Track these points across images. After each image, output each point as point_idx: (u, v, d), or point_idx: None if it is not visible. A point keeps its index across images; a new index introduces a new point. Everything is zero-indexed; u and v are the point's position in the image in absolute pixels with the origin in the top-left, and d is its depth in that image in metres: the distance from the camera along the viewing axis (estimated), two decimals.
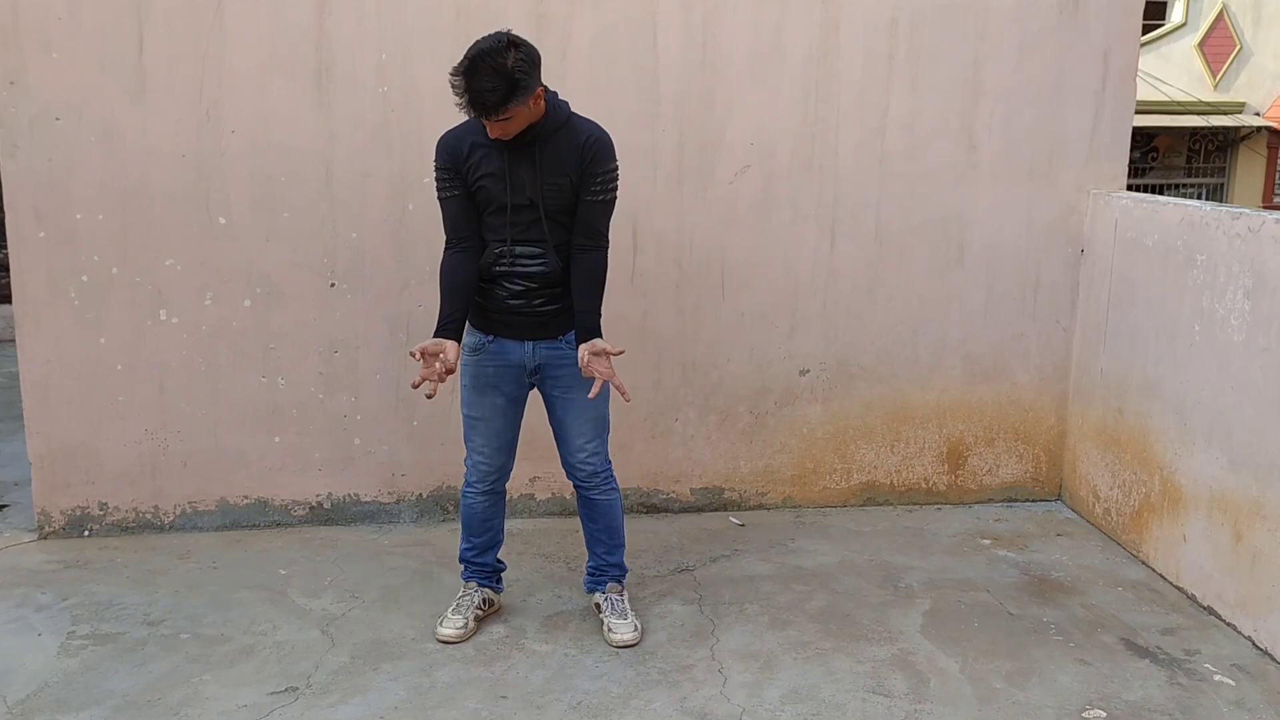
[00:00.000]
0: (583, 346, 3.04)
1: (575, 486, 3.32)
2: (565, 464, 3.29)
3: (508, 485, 3.37)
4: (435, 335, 3.03)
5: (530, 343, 3.14)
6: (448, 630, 3.27)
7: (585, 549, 3.44)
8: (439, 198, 3.11)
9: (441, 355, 2.99)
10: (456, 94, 2.84)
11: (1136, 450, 3.95)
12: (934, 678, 3.11)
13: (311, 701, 2.94)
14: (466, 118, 2.99)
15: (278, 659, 3.16)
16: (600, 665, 3.15)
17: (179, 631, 3.32)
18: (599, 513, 3.34)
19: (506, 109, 2.83)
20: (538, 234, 3.05)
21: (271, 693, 2.98)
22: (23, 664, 3.11)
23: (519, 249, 3.05)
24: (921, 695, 3.01)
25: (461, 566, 3.42)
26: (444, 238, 3.78)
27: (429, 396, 3.02)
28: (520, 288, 3.08)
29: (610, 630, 3.28)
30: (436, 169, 3.09)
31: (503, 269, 3.08)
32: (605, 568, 3.40)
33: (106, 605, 3.48)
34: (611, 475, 3.31)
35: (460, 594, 3.38)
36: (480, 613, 3.36)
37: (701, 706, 2.94)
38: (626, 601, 3.37)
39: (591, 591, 3.43)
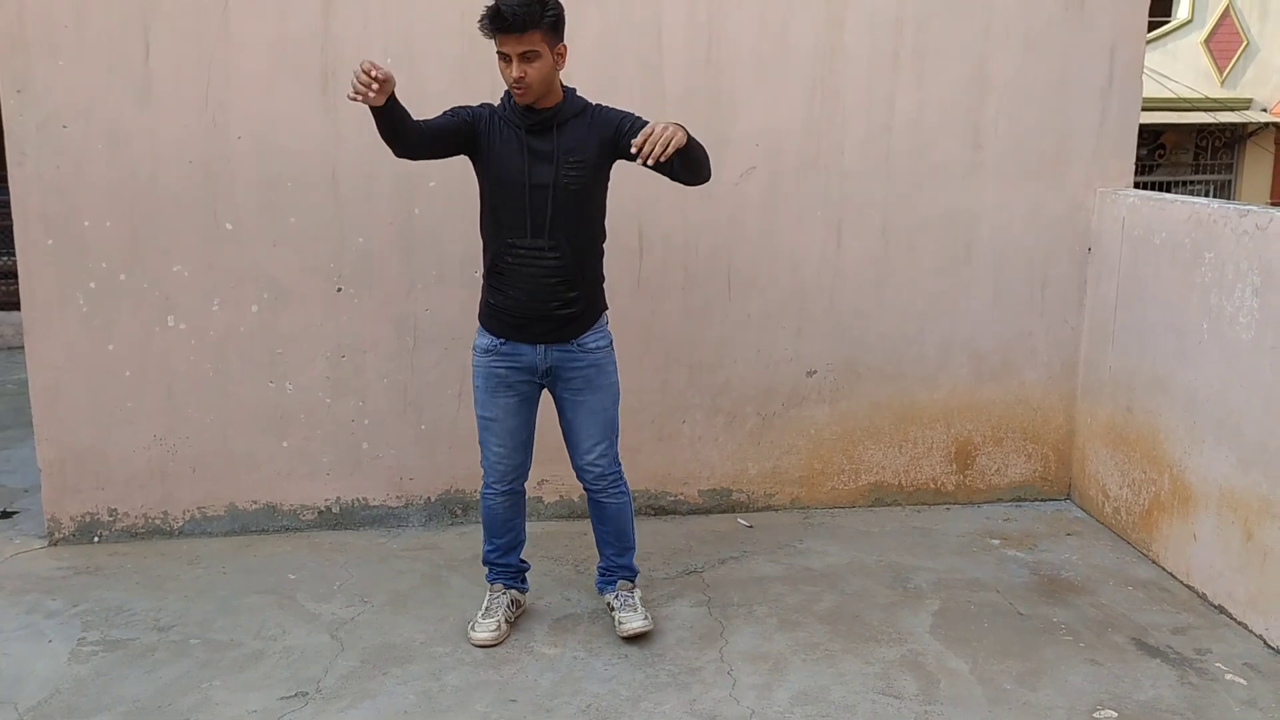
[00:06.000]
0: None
1: (585, 489, 3.31)
2: (575, 467, 3.28)
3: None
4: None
5: (543, 346, 3.13)
6: (483, 634, 3.26)
7: (594, 550, 3.44)
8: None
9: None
10: (482, 20, 2.85)
11: (1146, 449, 3.93)
12: (944, 678, 3.10)
13: (321, 706, 2.94)
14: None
15: (287, 664, 3.16)
16: (609, 668, 3.14)
17: (189, 637, 3.32)
18: (608, 516, 3.33)
19: (531, 31, 2.84)
20: (554, 218, 3.01)
21: (281, 698, 2.98)
22: (34, 670, 3.12)
23: (535, 240, 3.02)
24: (932, 696, 3.01)
25: (486, 569, 3.41)
26: (452, 240, 3.80)
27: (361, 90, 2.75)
28: (534, 286, 3.05)
29: (620, 623, 3.28)
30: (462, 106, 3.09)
31: (516, 260, 3.04)
32: (615, 569, 3.40)
33: (116, 611, 3.49)
34: (621, 478, 3.30)
35: (488, 597, 3.36)
36: (511, 613, 3.35)
37: (711, 709, 2.93)
38: (637, 596, 3.37)
39: (603, 591, 3.43)
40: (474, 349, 3.21)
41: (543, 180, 3.00)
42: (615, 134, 3.05)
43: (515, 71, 2.90)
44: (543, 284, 3.05)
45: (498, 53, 2.93)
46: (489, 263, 3.13)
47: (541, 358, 3.14)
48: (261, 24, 3.81)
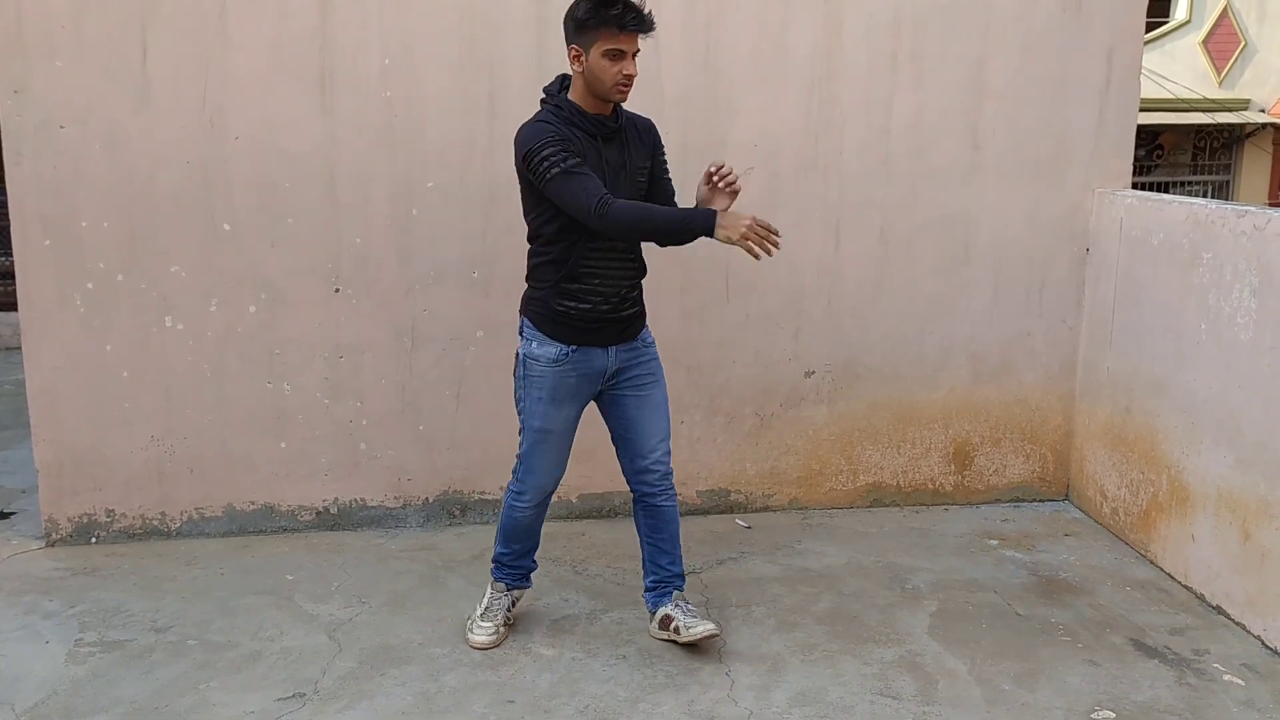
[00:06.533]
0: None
1: (641, 497, 3.22)
2: (636, 469, 3.18)
3: None
4: (708, 219, 2.86)
5: (613, 348, 3.11)
6: (481, 638, 3.24)
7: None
8: (563, 170, 2.83)
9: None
10: (609, 11, 2.81)
11: (1144, 449, 3.93)
12: (942, 679, 3.10)
13: (319, 707, 2.94)
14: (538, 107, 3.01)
15: (285, 665, 3.16)
16: (607, 669, 3.14)
17: (186, 638, 3.32)
18: (666, 520, 3.25)
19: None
20: None
21: (279, 699, 2.98)
22: (31, 671, 3.12)
23: (620, 244, 3.02)
24: (930, 697, 3.01)
25: (492, 567, 3.34)
26: (450, 241, 3.75)
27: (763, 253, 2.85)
28: (610, 289, 3.03)
29: (688, 628, 3.16)
30: (548, 145, 2.85)
31: (597, 265, 3.00)
32: (670, 579, 3.29)
33: (114, 612, 3.49)
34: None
35: (488, 597, 3.32)
36: (509, 615, 3.32)
37: (709, 710, 2.93)
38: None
39: (657, 607, 3.28)
40: (532, 360, 3.07)
41: (619, 185, 2.99)
42: (654, 162, 3.15)
43: (632, 69, 2.91)
44: (619, 286, 3.05)
45: (606, 50, 2.84)
46: (565, 271, 3.00)
47: (612, 360, 3.11)
48: (259, 25, 3.81)
